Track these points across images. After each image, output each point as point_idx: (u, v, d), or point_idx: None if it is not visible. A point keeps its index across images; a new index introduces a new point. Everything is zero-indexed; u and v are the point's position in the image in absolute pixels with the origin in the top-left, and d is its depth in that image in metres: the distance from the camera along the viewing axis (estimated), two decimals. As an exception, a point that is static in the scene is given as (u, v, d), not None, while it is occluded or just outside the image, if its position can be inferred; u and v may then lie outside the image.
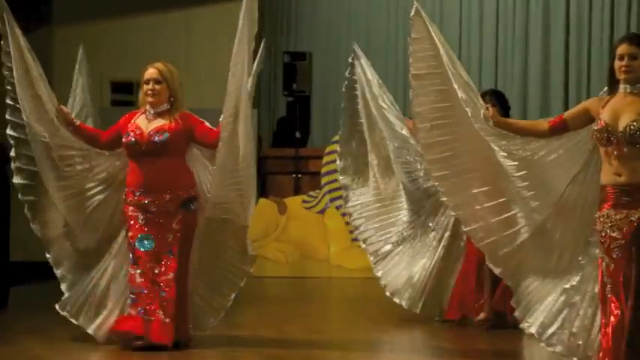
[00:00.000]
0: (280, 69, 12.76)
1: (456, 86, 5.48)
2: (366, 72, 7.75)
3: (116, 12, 12.66)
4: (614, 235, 5.02)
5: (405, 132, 7.53)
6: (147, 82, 6.17)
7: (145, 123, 6.17)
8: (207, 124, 6.17)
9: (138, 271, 6.03)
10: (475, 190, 5.57)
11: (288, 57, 12.63)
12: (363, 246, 7.82)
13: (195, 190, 6.17)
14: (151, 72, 6.17)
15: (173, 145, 6.10)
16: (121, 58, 12.36)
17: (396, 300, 7.53)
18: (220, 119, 6.05)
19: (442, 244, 7.45)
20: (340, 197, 9.58)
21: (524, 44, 11.70)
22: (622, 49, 5.09)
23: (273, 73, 13.01)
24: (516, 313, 5.66)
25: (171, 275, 6.01)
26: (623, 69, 5.07)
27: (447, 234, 7.43)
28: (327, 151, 11.38)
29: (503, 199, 5.53)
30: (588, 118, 5.20)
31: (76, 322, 6.26)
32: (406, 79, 11.62)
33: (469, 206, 5.61)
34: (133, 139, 6.12)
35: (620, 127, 4.99)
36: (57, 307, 6.32)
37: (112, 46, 12.48)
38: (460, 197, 5.62)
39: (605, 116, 5.06)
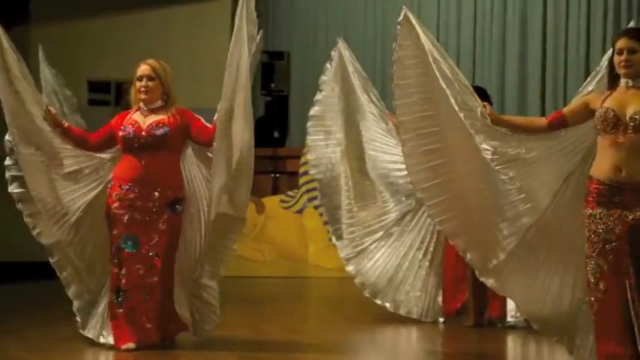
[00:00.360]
0: (258, 68, 12.73)
1: (448, 90, 5.30)
2: (349, 65, 7.62)
3: (94, 11, 12.61)
4: (607, 237, 4.94)
5: (390, 126, 7.45)
6: (140, 79, 6.07)
7: (141, 118, 6.07)
8: (202, 121, 6.10)
9: (123, 271, 5.94)
10: (463, 201, 5.38)
11: (266, 56, 12.63)
12: (335, 242, 7.74)
13: (183, 192, 6.09)
14: (143, 69, 6.08)
15: (172, 139, 6.02)
16: (98, 57, 12.33)
17: (378, 302, 7.49)
18: (215, 117, 5.97)
19: (427, 246, 7.42)
20: (318, 197, 9.56)
21: (501, 50, 11.75)
22: (621, 43, 5.03)
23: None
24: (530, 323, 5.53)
25: (155, 279, 5.95)
26: (622, 63, 5.01)
27: (430, 237, 7.41)
28: (305, 150, 11.36)
29: (491, 208, 5.35)
30: (588, 112, 5.11)
31: (87, 334, 6.19)
32: (384, 77, 11.74)
33: (456, 219, 5.40)
34: (131, 131, 6.02)
35: (628, 115, 4.93)
36: (78, 324, 6.23)
37: (90, 45, 12.44)
38: (447, 210, 5.41)
39: (609, 104, 4.98)
